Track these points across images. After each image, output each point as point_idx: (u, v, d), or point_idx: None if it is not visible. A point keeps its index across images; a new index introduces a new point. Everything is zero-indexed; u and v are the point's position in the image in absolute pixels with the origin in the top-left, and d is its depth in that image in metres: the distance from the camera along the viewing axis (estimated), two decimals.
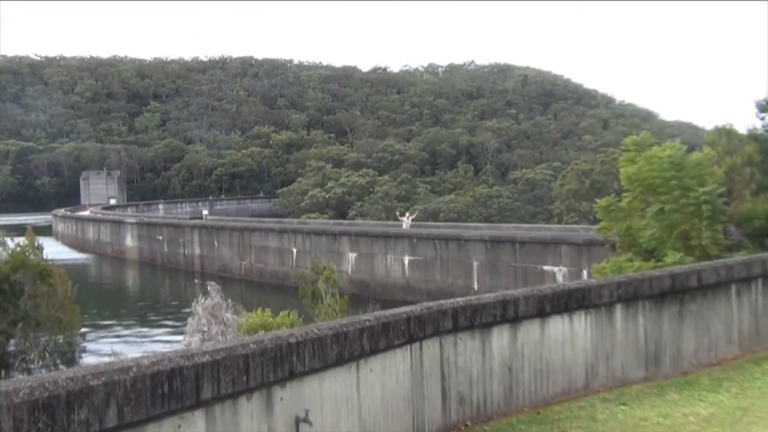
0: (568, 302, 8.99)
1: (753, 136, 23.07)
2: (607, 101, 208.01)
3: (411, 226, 46.53)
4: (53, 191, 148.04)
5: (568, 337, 9.00)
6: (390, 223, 64.18)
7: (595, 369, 9.28)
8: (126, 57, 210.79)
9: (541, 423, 8.02)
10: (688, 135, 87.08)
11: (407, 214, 51.47)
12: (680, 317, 10.31)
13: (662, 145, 20.63)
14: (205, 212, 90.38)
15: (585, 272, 31.17)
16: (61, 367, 18.94)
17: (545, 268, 36.16)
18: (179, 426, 4.33)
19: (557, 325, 8.88)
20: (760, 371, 10.08)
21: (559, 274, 35.03)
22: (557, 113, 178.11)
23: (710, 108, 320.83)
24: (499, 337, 8.28)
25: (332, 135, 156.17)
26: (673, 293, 10.20)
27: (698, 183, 19.35)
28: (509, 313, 8.35)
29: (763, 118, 23.13)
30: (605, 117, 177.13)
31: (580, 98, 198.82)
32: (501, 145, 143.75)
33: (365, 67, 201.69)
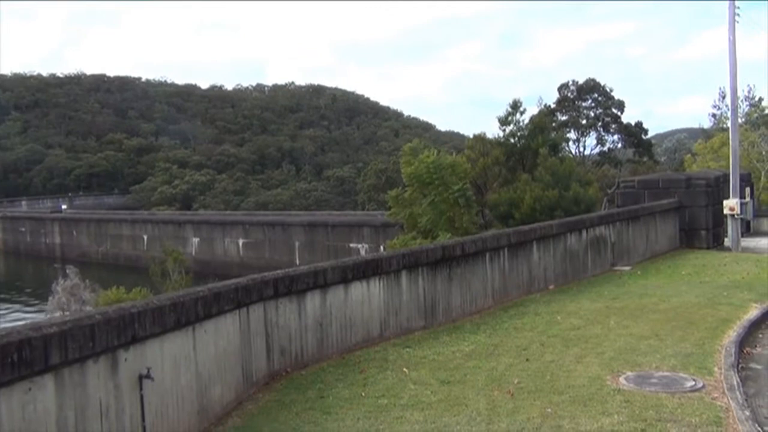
0: (365, 270, 9.11)
1: (498, 142, 24.68)
2: (398, 115, 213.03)
3: None
4: None
5: (366, 297, 9.13)
6: (228, 212, 62.41)
7: (387, 322, 9.48)
8: None
9: (346, 365, 8.11)
10: (457, 141, 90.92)
11: None
12: (449, 279, 10.74)
13: (429, 151, 21.51)
14: (64, 206, 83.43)
15: (382, 247, 31.93)
16: None
17: (351, 245, 36.73)
18: (30, 389, 3.97)
19: (358, 289, 8.98)
20: (507, 316, 10.74)
21: (362, 249, 35.69)
22: (360, 124, 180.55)
23: (472, 120, 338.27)
24: (312, 300, 8.25)
25: (177, 141, 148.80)
26: (444, 261, 10.59)
27: (457, 180, 20.43)
28: (320, 281, 8.34)
29: (504, 130, 24.82)
30: (396, 127, 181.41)
31: (377, 113, 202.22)
32: (317, 149, 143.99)
33: (204, 85, 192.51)
